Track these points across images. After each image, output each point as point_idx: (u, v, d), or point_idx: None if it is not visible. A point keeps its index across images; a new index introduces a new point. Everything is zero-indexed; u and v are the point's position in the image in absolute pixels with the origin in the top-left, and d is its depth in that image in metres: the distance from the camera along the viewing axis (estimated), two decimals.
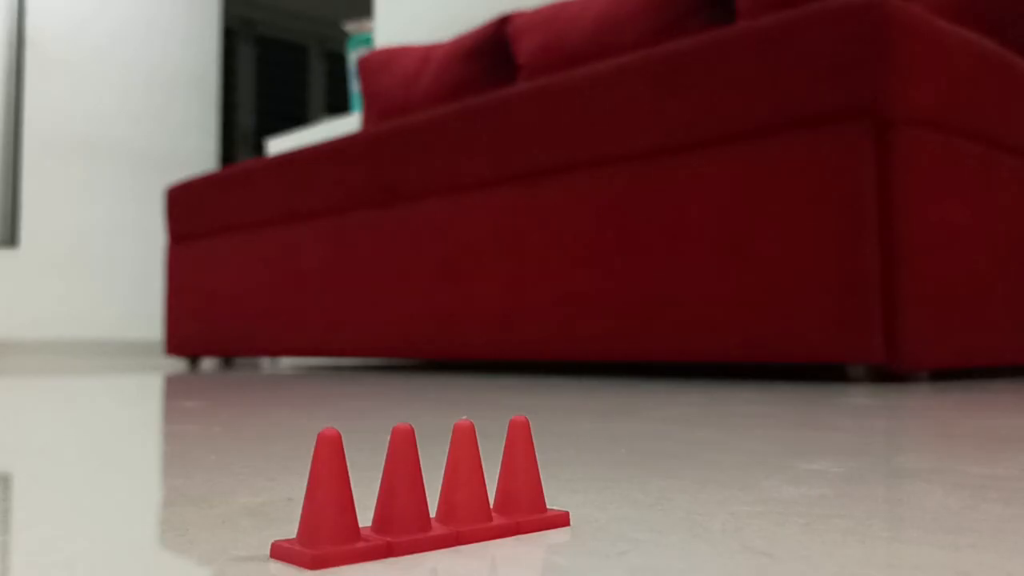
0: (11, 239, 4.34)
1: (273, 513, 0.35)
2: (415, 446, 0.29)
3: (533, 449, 0.32)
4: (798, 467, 0.46)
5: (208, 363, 2.65)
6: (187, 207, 2.49)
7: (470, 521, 0.29)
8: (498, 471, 0.40)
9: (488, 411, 0.82)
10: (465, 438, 0.30)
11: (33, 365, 2.45)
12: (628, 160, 1.45)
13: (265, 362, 2.95)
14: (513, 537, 0.30)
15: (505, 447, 0.32)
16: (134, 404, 0.96)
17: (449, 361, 2.44)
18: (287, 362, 2.96)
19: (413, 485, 0.28)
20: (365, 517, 0.33)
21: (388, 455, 0.28)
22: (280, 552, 0.27)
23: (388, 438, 0.59)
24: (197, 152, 4.98)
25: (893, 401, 0.90)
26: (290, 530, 0.31)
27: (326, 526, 0.26)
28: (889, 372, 1.35)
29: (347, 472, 0.27)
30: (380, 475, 0.44)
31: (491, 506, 0.32)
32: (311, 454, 0.52)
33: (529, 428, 0.33)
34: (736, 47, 1.33)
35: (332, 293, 1.99)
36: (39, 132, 4.44)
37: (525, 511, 0.31)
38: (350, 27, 3.61)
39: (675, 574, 0.25)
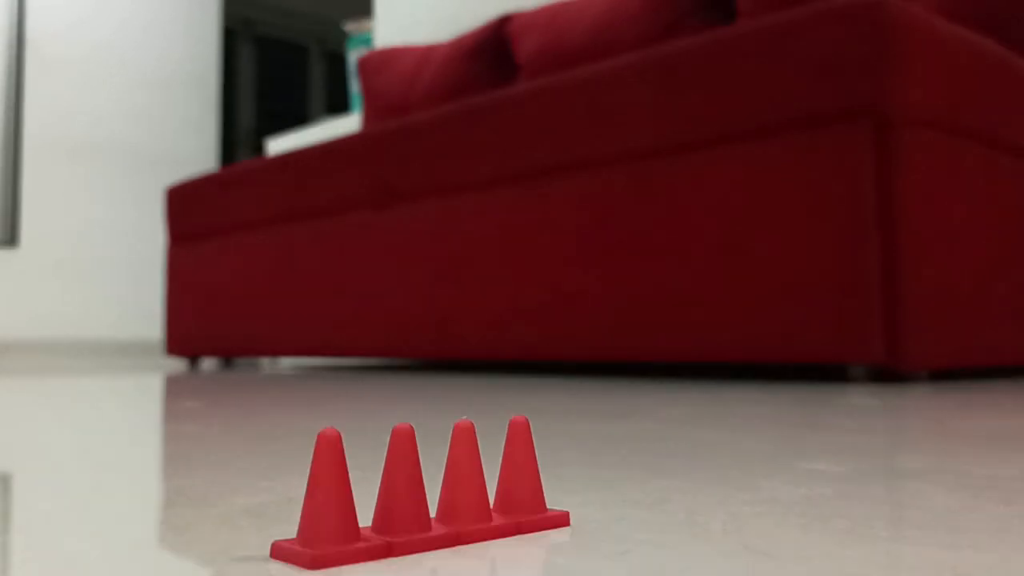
0: (11, 239, 4.34)
1: (273, 513, 0.35)
2: (415, 446, 0.29)
3: (533, 449, 0.32)
4: (798, 467, 0.46)
5: (208, 363, 2.65)
6: (187, 207, 2.49)
7: (470, 521, 0.29)
8: (498, 471, 0.40)
9: (488, 411, 0.82)
10: (465, 438, 0.30)
11: (33, 365, 2.45)
12: (628, 160, 1.45)
13: (265, 362, 2.95)
14: (513, 537, 0.30)
15: (505, 447, 0.32)
16: (134, 404, 0.96)
17: (448, 361, 2.44)
18: (287, 362, 2.96)
19: (413, 485, 0.28)
20: (366, 517, 0.33)
21: (388, 455, 0.28)
22: (280, 552, 0.27)
23: (388, 438, 0.59)
24: (197, 152, 4.98)
25: (893, 401, 0.90)
26: (290, 530, 0.31)
27: (326, 526, 0.26)
28: (889, 372, 1.35)
29: (347, 472, 0.27)
30: (380, 475, 0.44)
31: (491, 506, 0.32)
32: (311, 454, 0.52)
33: (529, 428, 0.33)
34: (736, 47, 1.33)
35: (332, 293, 1.99)
36: (39, 132, 4.44)
37: (525, 511, 0.31)
38: (350, 27, 3.61)
39: (675, 574, 0.25)
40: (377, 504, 0.28)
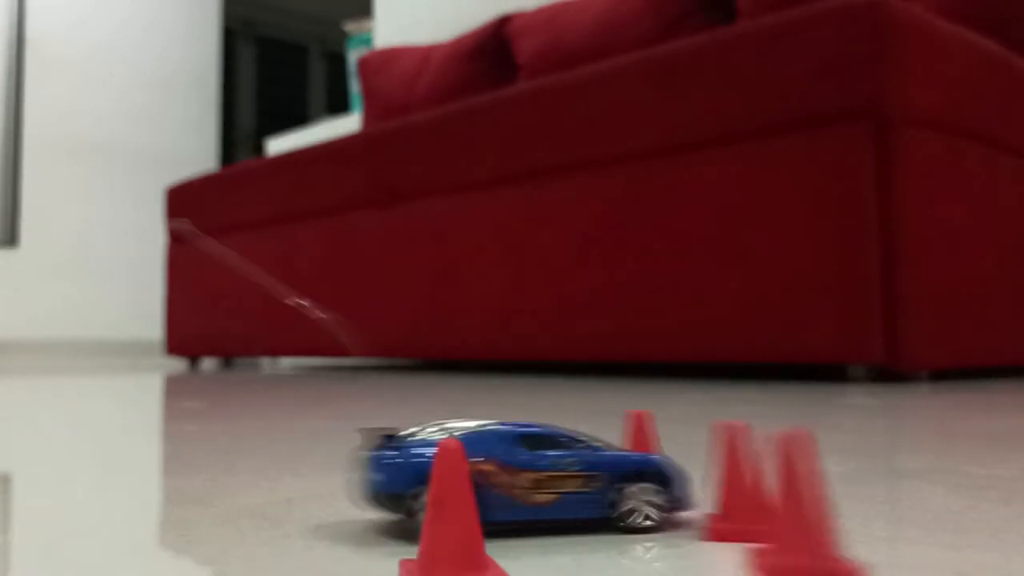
0: (11, 239, 4.34)
1: (273, 513, 0.35)
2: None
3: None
4: None
5: (208, 363, 2.65)
6: (187, 207, 2.49)
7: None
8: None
9: (488, 411, 0.82)
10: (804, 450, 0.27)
11: (33, 365, 2.45)
12: (628, 160, 1.45)
13: (265, 362, 2.95)
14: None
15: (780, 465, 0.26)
16: (134, 404, 0.96)
17: (449, 361, 2.44)
18: (287, 362, 2.96)
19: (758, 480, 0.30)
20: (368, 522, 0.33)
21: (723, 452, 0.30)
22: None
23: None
24: (197, 152, 4.98)
25: (893, 401, 0.90)
26: (290, 530, 0.31)
27: (448, 551, 0.24)
28: (890, 372, 1.35)
29: (471, 489, 0.25)
30: None
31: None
32: (310, 454, 0.52)
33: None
34: (736, 47, 1.33)
35: (332, 293, 1.99)
36: (39, 132, 4.44)
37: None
38: (350, 27, 3.61)
39: (674, 573, 0.25)
40: (721, 495, 0.30)
